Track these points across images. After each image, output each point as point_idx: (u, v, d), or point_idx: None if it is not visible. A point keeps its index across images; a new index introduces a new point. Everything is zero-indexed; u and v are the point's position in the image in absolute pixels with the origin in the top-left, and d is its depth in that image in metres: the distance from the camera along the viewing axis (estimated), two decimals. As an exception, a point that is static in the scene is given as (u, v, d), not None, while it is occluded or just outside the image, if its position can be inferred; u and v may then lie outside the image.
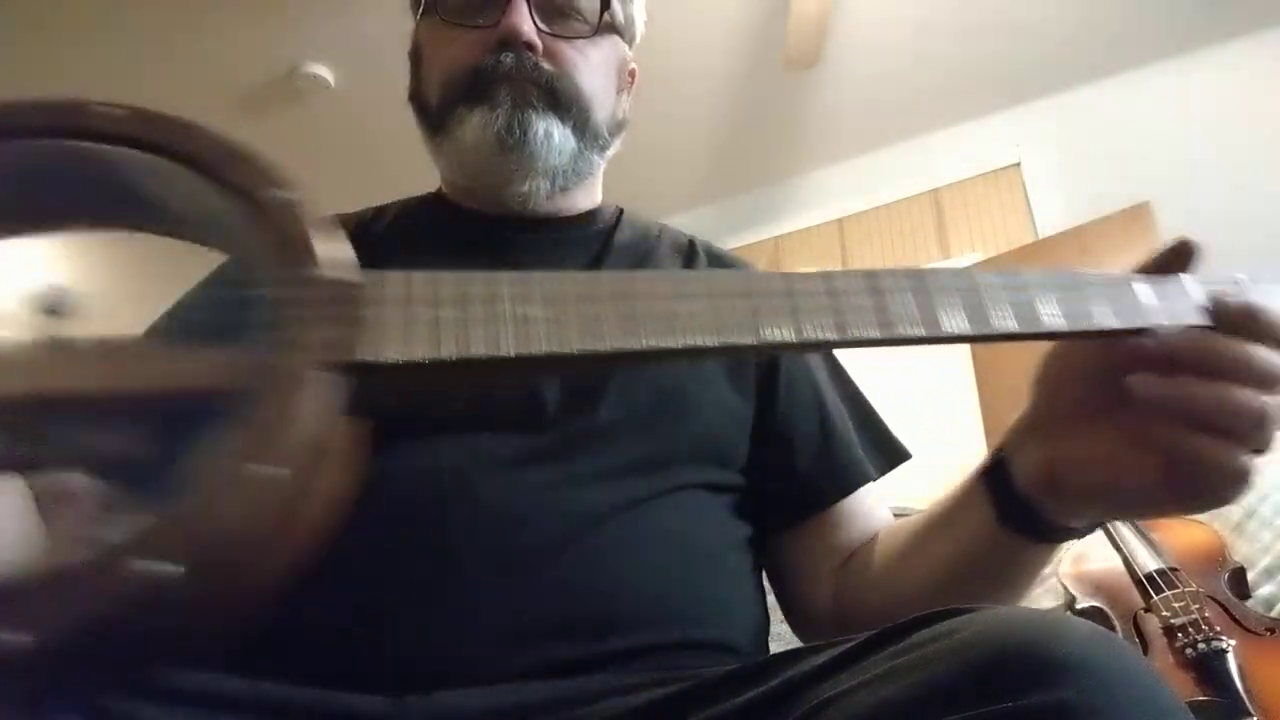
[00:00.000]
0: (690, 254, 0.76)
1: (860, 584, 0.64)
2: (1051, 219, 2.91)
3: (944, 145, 3.25)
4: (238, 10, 2.59)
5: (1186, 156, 2.79)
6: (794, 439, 0.68)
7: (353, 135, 3.08)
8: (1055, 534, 0.51)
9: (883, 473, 0.71)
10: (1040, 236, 2.85)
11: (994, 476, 0.52)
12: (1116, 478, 0.45)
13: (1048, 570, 1.34)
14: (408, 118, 0.77)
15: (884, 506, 0.71)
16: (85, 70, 2.75)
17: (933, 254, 3.12)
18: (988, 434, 2.42)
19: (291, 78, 2.85)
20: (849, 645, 0.40)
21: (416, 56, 0.78)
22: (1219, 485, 0.41)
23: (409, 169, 0.78)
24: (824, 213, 3.40)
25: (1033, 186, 3.04)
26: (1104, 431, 0.46)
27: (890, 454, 0.73)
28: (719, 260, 0.77)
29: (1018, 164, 3.09)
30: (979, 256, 2.93)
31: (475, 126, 0.68)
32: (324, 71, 2.85)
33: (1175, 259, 0.46)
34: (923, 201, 3.24)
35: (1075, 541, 1.40)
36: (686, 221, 2.46)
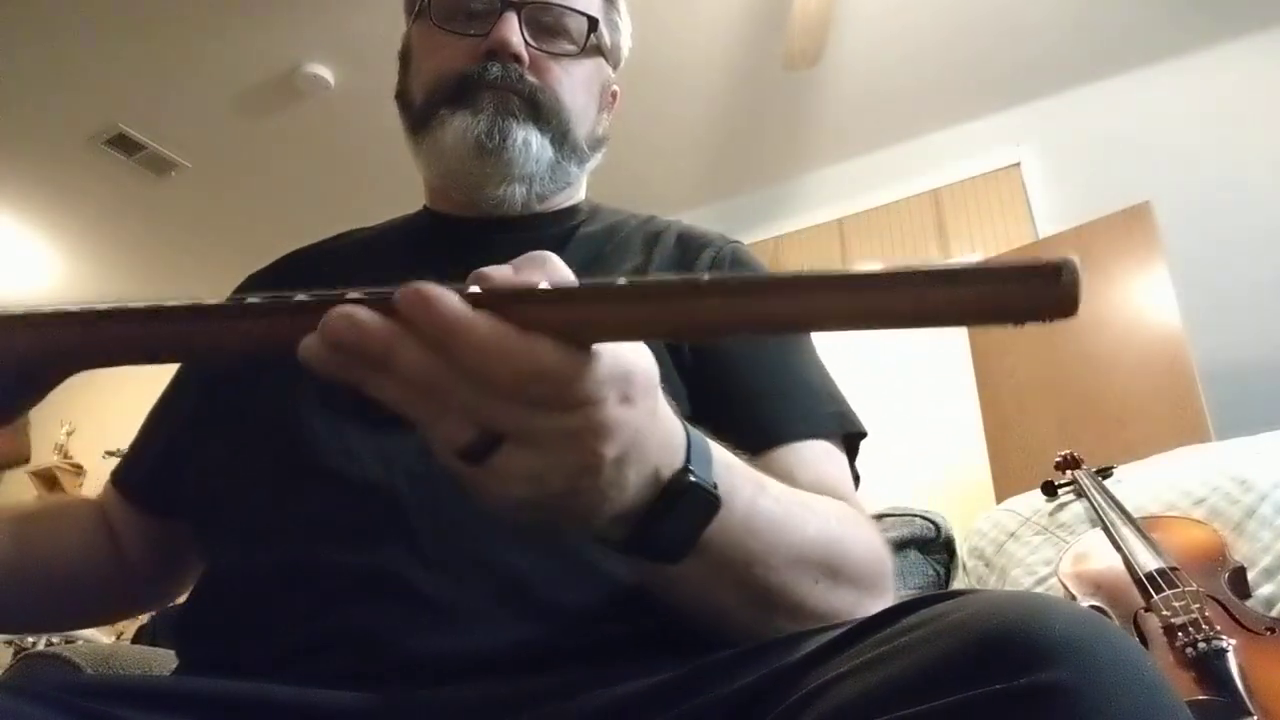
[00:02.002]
0: (654, 241, 0.75)
1: None
2: (1051, 219, 2.90)
3: (944, 145, 3.24)
4: (238, 10, 2.59)
5: (1186, 156, 2.78)
6: (720, 395, 0.63)
7: (353, 135, 3.08)
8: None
9: (818, 435, 0.64)
10: (1040, 236, 2.85)
11: None
12: None
13: (1047, 571, 1.35)
14: (405, 118, 0.78)
15: (809, 474, 0.61)
16: (87, 70, 2.76)
17: (932, 254, 3.12)
18: (988, 434, 2.42)
19: (291, 78, 2.85)
20: (837, 633, 0.40)
21: (405, 58, 0.80)
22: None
23: (408, 169, 0.78)
24: (824, 213, 3.39)
25: (1033, 186, 3.03)
26: None
27: (832, 420, 0.65)
28: (684, 241, 0.75)
29: (1018, 164, 3.09)
30: (979, 256, 2.93)
31: (456, 129, 0.71)
32: (324, 71, 2.85)
33: None
34: (923, 201, 3.23)
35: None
36: (686, 221, 2.45)
